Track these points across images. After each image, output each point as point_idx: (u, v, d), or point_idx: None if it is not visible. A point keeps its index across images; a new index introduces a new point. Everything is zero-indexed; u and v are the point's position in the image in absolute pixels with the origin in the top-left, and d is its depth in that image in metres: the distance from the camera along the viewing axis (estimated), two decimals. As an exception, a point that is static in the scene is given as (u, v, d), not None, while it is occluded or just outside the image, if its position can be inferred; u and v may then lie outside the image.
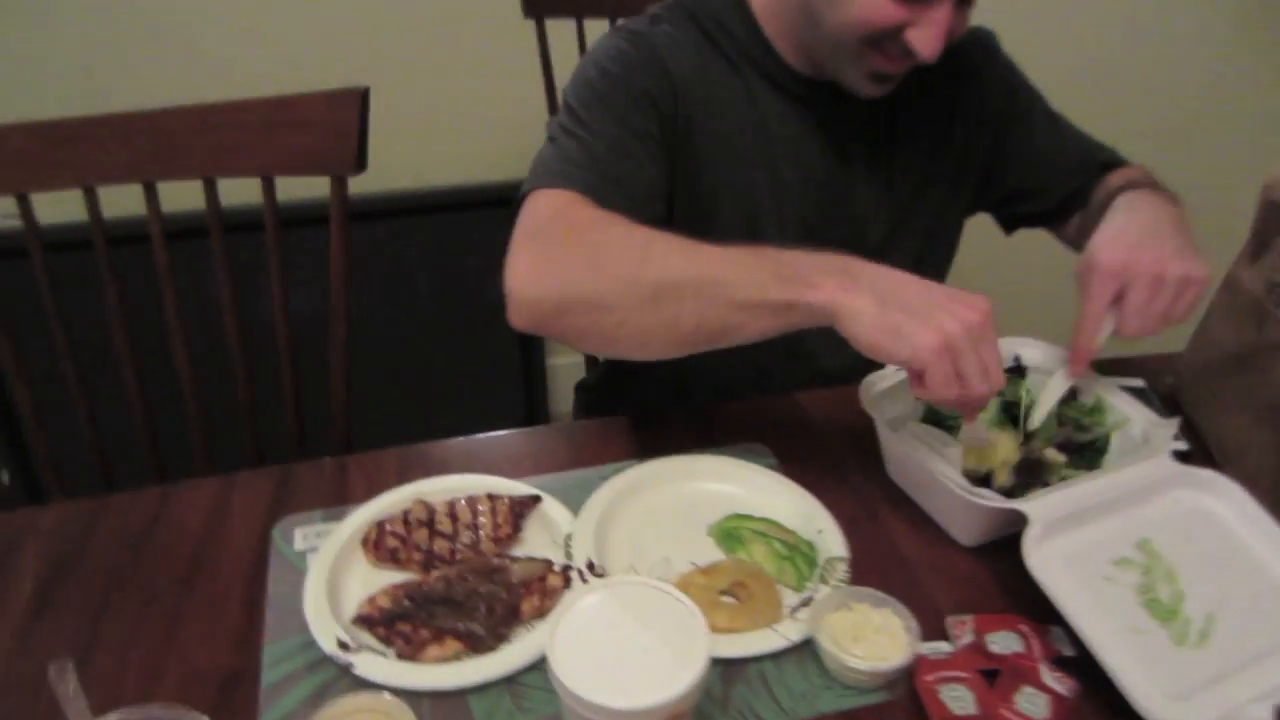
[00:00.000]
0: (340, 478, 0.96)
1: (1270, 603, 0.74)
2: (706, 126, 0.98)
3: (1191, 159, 1.96)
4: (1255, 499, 0.79)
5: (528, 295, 0.81)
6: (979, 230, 1.20)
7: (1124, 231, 0.87)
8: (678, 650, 0.61)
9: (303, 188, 1.15)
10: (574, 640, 0.62)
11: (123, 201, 1.13)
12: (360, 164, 1.07)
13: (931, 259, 1.13)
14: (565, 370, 2.10)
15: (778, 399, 1.05)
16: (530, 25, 1.52)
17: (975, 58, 1.08)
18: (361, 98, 1.05)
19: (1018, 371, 0.96)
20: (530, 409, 2.09)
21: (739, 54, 1.00)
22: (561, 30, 1.51)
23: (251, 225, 1.15)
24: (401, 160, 1.80)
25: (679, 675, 0.59)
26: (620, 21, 1.04)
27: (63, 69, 1.75)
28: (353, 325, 1.17)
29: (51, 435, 1.16)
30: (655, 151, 0.94)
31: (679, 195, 0.99)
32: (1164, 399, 1.05)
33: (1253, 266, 0.94)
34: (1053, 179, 1.11)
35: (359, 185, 1.10)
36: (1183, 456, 0.83)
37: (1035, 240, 1.22)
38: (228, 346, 1.16)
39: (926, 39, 0.86)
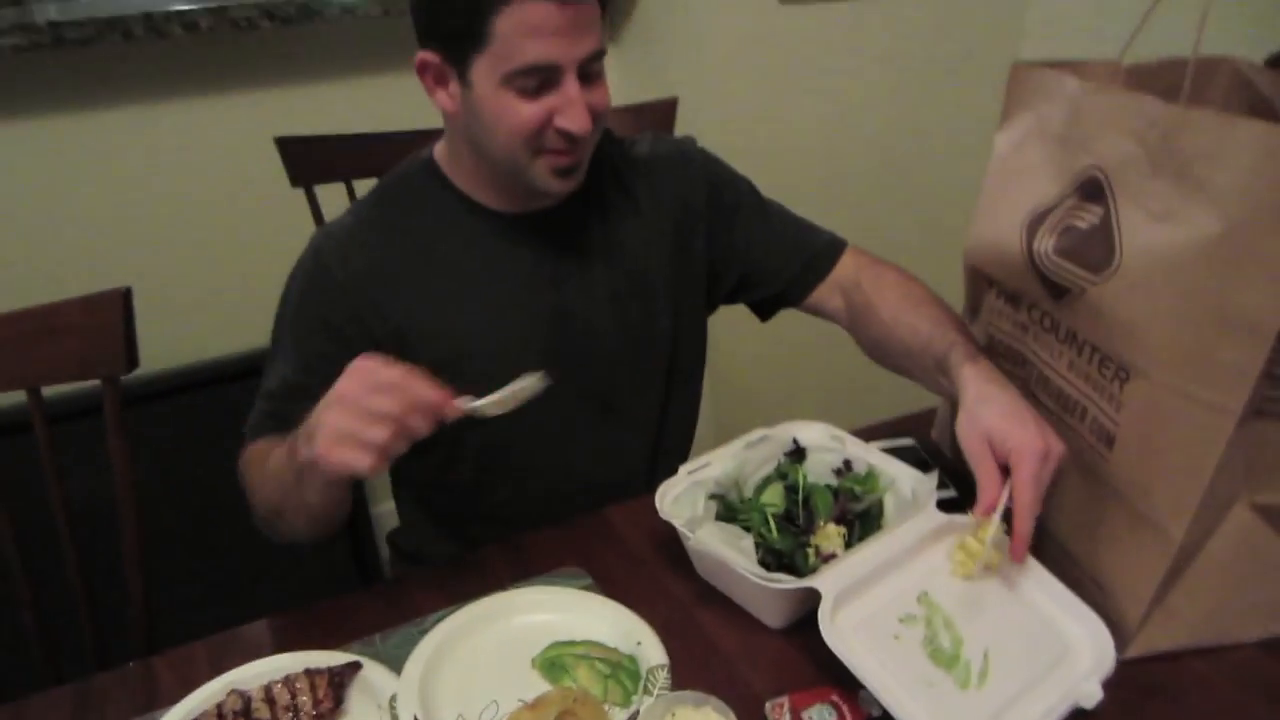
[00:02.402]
0: (148, 681, 0.91)
1: (1034, 629, 0.83)
2: (400, 298, 1.04)
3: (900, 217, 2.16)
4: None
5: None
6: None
7: (1017, 411, 0.88)
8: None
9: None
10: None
11: None
12: (130, 363, 1.06)
13: (681, 356, 1.20)
14: (387, 517, 2.06)
15: (587, 517, 1.08)
16: (300, 194, 1.55)
17: (672, 168, 1.17)
18: (124, 297, 1.05)
19: (797, 454, 1.03)
20: (360, 564, 2.03)
21: (437, 215, 1.07)
22: (334, 192, 1.55)
23: (19, 426, 1.10)
24: (186, 335, 1.77)
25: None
26: (316, 231, 1.09)
27: None
28: (147, 509, 1.12)
29: None
30: (331, 360, 0.89)
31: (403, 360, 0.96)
32: (931, 452, 1.16)
33: (973, 324, 1.06)
34: (772, 264, 1.19)
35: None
36: (954, 504, 0.92)
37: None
38: (6, 559, 1.09)
39: (573, 118, 0.95)
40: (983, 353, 0.99)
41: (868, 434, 1.08)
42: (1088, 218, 0.85)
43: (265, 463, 0.96)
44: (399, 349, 1.00)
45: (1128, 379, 0.81)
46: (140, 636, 1.15)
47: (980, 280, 1.04)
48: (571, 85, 0.94)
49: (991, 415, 0.88)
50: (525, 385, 0.89)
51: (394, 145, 1.28)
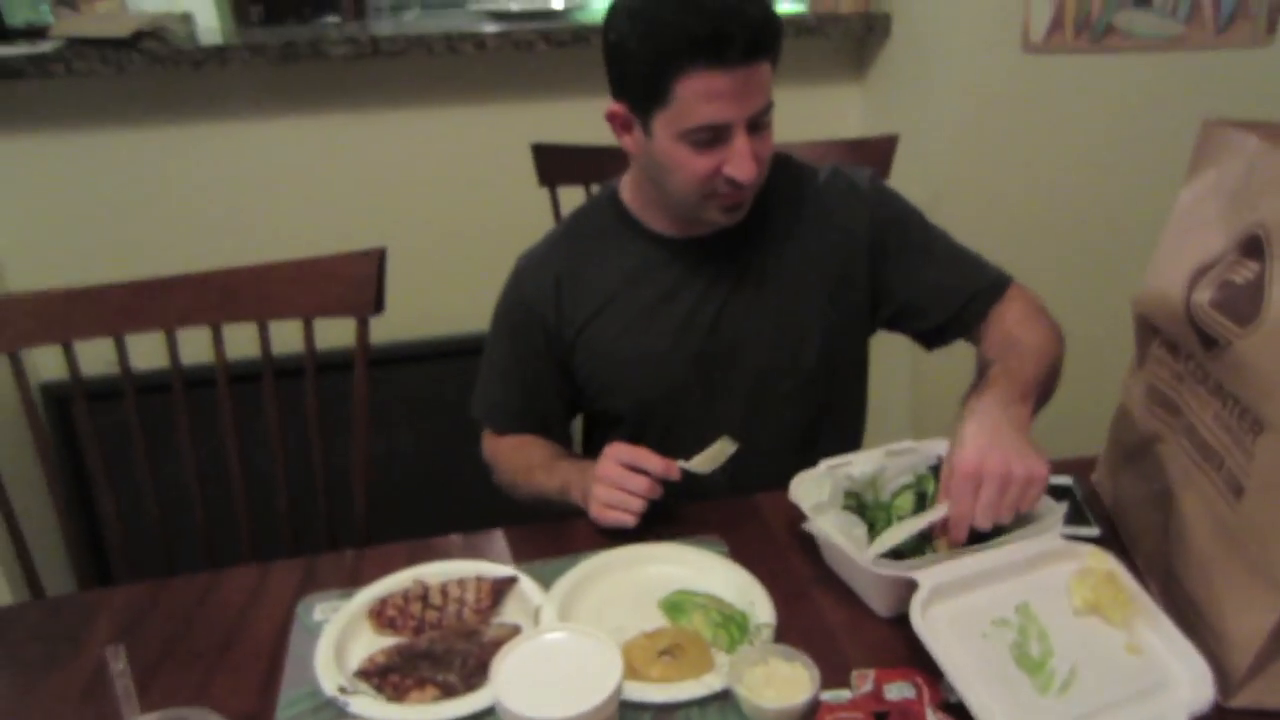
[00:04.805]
0: (357, 565, 1.13)
1: (1127, 662, 0.85)
2: (578, 311, 1.25)
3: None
4: (1132, 570, 0.91)
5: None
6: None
7: (975, 437, 0.96)
8: (595, 678, 0.75)
9: (331, 340, 1.41)
10: (515, 669, 0.77)
11: (195, 353, 1.38)
12: (379, 307, 1.33)
13: (838, 378, 1.31)
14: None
15: (739, 500, 1.20)
16: (544, 192, 1.77)
17: (843, 198, 1.26)
18: (380, 256, 1.32)
19: (937, 469, 1.09)
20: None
21: (614, 240, 1.26)
22: (573, 194, 1.76)
23: (294, 370, 1.38)
24: (424, 310, 2.08)
25: (592, 696, 0.73)
26: (519, 255, 1.32)
27: (148, 238, 2.07)
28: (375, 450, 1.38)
29: (128, 531, 1.38)
30: (538, 365, 1.30)
31: (583, 363, 1.28)
32: (1088, 493, 1.17)
33: (1139, 372, 1.08)
34: (931, 301, 1.26)
35: (382, 334, 1.34)
36: (1095, 543, 0.95)
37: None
38: (273, 464, 1.38)
39: (740, 168, 1.08)
40: (1004, 383, 1.04)
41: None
42: (1245, 273, 0.87)
43: (525, 469, 1.27)
44: (575, 352, 1.26)
45: (1261, 431, 0.82)
46: (358, 533, 1.41)
47: (1146, 329, 1.06)
48: (740, 139, 1.08)
49: (955, 442, 0.97)
50: (724, 448, 1.13)
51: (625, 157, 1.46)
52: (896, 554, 0.99)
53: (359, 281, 1.30)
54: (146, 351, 1.38)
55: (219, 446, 1.37)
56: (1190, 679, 0.83)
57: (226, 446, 1.37)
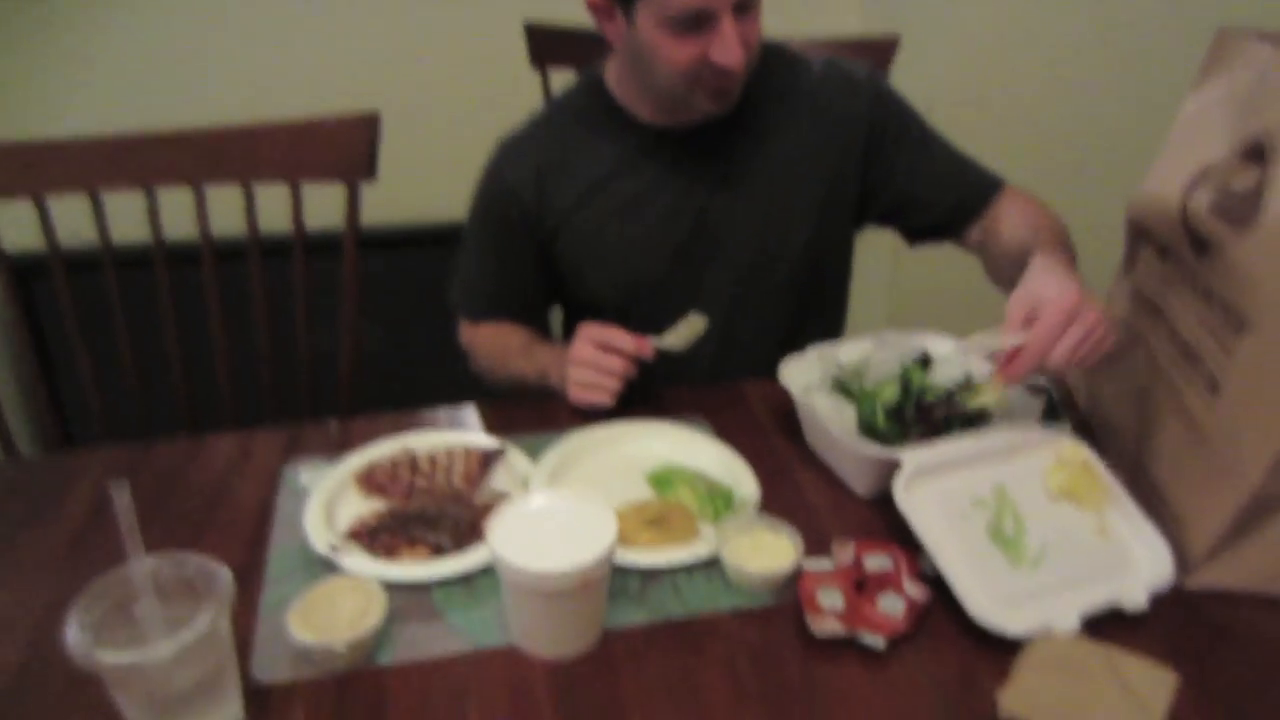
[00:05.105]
0: (343, 433, 1.13)
1: (1095, 543, 0.89)
2: (559, 198, 1.24)
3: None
4: (1104, 459, 0.94)
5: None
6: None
7: (1065, 280, 0.93)
8: (590, 538, 0.77)
9: (320, 219, 1.38)
10: (511, 528, 0.79)
11: (178, 225, 1.34)
12: (370, 172, 1.29)
13: (822, 273, 1.33)
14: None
15: (724, 386, 1.21)
16: (535, 76, 1.73)
17: (839, 91, 1.25)
18: (374, 120, 1.28)
19: (924, 363, 1.11)
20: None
21: (598, 127, 1.23)
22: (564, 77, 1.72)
23: (277, 248, 1.35)
24: (407, 193, 2.02)
25: (588, 551, 0.75)
26: (498, 139, 1.28)
27: (129, 93, 2.00)
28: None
29: (105, 399, 1.37)
30: (518, 251, 1.29)
31: (565, 251, 1.27)
32: (1064, 396, 1.20)
33: (1124, 279, 1.10)
34: (927, 196, 1.26)
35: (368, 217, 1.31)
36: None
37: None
38: (257, 332, 1.36)
39: (726, 54, 1.06)
40: (1063, 251, 1.03)
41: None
42: (1245, 179, 0.88)
43: (502, 355, 1.29)
44: (556, 240, 1.25)
45: (1242, 330, 0.85)
46: (344, 403, 1.41)
47: (1138, 234, 1.07)
48: (726, 24, 1.05)
49: (1034, 280, 0.94)
50: (694, 325, 1.13)
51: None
52: (877, 439, 1.02)
53: (351, 145, 1.27)
54: (124, 227, 1.35)
55: (201, 321, 1.35)
56: (1152, 560, 0.87)
57: (209, 309, 1.35)
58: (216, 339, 1.36)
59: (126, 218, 1.32)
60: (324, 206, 1.37)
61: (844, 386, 1.07)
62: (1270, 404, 0.82)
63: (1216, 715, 0.76)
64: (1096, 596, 0.83)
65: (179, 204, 1.30)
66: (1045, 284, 0.93)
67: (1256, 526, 0.86)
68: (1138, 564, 0.87)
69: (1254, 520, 0.85)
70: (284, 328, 1.38)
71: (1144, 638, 0.81)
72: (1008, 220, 1.21)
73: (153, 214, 1.30)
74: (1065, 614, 0.81)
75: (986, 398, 0.97)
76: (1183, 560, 0.88)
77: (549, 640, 0.80)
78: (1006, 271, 1.13)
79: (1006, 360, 0.93)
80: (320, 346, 1.40)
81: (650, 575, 0.89)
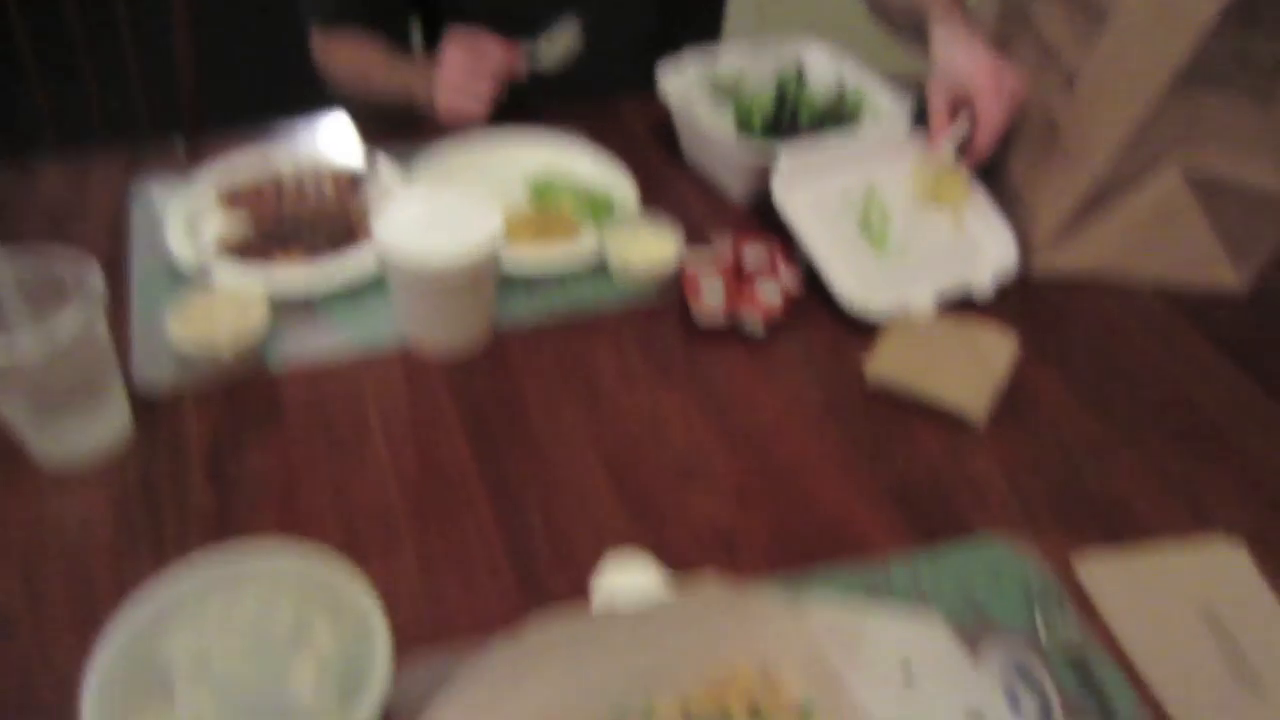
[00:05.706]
0: (194, 151, 1.05)
1: (952, 236, 0.95)
2: None
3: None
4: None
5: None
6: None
7: (984, 53, 0.94)
8: (476, 228, 0.77)
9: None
10: (395, 220, 0.77)
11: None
12: None
13: None
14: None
15: (598, 100, 1.18)
16: None
17: None
18: None
19: (800, 73, 1.11)
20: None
21: None
22: None
23: None
24: None
25: (475, 241, 0.75)
26: None
27: None
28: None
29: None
30: None
31: None
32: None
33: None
34: None
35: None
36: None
37: None
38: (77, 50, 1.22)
39: None
40: (958, 9, 1.03)
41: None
42: None
43: (363, 72, 1.18)
44: None
45: (1101, 22, 0.88)
46: (191, 118, 1.30)
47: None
48: None
49: (954, 62, 0.95)
50: (568, 32, 1.07)
51: None
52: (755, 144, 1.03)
53: None
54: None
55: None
56: (998, 249, 0.95)
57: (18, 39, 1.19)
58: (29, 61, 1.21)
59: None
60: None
61: (721, 93, 1.06)
62: (1118, 92, 0.87)
63: (1050, 372, 0.85)
64: (949, 280, 0.90)
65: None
66: (958, 64, 0.94)
67: (1096, 211, 0.94)
68: (986, 253, 0.94)
69: (1095, 206, 0.93)
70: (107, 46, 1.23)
71: (992, 319, 0.88)
72: None
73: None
74: (921, 294, 0.88)
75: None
76: (1030, 246, 0.95)
77: (443, 332, 0.81)
78: (896, 19, 1.12)
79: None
80: (152, 59, 1.26)
81: (536, 283, 0.90)
